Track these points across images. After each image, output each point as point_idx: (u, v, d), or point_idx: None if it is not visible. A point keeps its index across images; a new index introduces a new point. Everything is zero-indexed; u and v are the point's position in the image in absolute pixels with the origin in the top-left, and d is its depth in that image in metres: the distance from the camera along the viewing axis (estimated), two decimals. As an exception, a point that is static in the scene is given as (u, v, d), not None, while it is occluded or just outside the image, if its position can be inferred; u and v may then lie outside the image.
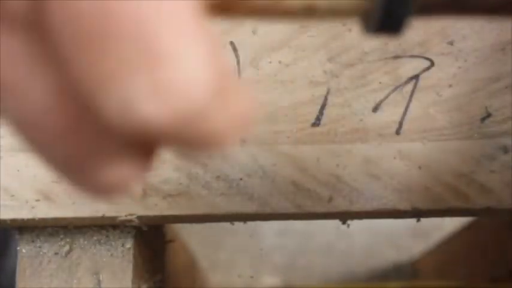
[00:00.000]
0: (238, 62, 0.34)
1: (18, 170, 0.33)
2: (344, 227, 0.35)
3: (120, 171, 0.15)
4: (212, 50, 0.13)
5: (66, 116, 0.14)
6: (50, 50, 0.14)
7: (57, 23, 0.13)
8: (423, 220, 0.34)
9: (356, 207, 0.32)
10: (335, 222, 0.34)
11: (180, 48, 0.12)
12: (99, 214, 0.32)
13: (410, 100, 0.33)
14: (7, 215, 0.32)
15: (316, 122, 0.33)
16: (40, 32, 0.14)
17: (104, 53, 0.12)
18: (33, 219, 0.32)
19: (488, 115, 0.33)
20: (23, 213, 0.32)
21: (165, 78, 0.12)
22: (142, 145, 0.15)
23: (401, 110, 0.33)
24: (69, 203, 0.32)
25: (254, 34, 0.34)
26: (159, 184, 0.32)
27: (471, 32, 0.34)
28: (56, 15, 0.13)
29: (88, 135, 0.15)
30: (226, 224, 0.35)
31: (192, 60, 0.13)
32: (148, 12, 0.12)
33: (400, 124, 0.33)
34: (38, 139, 0.15)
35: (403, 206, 0.32)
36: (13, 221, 0.33)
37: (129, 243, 0.34)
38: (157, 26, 0.12)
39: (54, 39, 0.13)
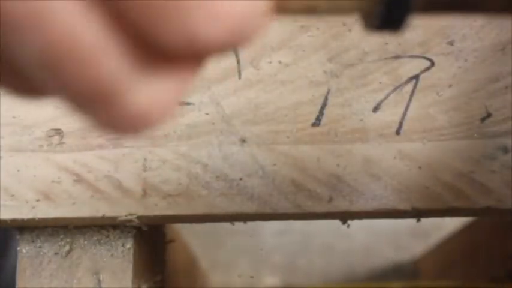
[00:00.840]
0: (238, 62, 0.34)
1: (18, 170, 0.33)
2: (344, 227, 0.35)
3: (162, 90, 0.16)
4: None
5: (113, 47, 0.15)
6: None
7: None
8: (423, 220, 0.34)
9: (356, 207, 0.32)
10: (335, 222, 0.34)
11: None
12: (99, 214, 0.32)
13: (410, 100, 0.33)
14: (7, 215, 0.32)
15: (316, 122, 0.33)
16: None
17: None
18: (33, 219, 0.32)
19: (488, 115, 0.33)
20: (23, 213, 0.32)
21: (225, 10, 0.14)
22: (186, 65, 0.16)
23: (401, 110, 0.33)
24: (69, 203, 0.32)
25: (254, 34, 0.34)
26: (159, 184, 0.32)
27: (471, 32, 0.34)
28: None
29: (132, 58, 0.15)
30: (226, 224, 0.35)
31: None
32: None
33: (400, 124, 0.33)
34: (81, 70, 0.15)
35: (403, 206, 0.32)
36: (13, 221, 0.33)
37: (129, 243, 0.34)
38: None
39: None
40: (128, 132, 0.16)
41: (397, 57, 0.34)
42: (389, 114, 0.33)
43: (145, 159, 0.33)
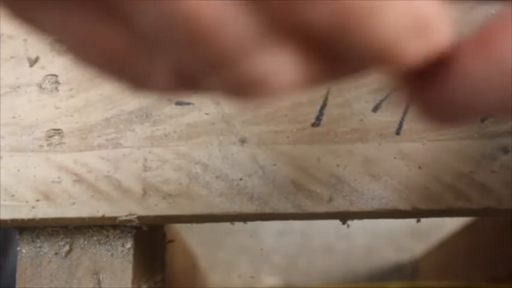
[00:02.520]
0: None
1: (18, 170, 0.33)
2: (344, 227, 0.35)
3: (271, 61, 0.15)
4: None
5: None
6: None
7: None
8: (423, 220, 0.34)
9: (356, 207, 0.32)
10: (335, 222, 0.34)
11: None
12: (99, 214, 0.32)
13: (410, 100, 0.33)
14: (7, 215, 0.32)
15: (316, 122, 0.33)
16: None
17: None
18: (33, 219, 0.32)
19: (488, 115, 0.33)
20: (23, 213, 0.32)
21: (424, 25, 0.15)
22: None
23: (401, 110, 0.33)
24: (69, 203, 0.32)
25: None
26: (159, 184, 0.32)
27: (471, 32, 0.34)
28: None
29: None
30: (226, 224, 0.35)
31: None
32: None
33: (400, 124, 0.33)
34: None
35: (403, 206, 0.32)
36: (13, 221, 0.33)
37: (129, 243, 0.34)
38: None
39: None
40: (244, 97, 0.16)
41: (397, 57, 0.34)
42: (389, 114, 0.33)
43: (145, 159, 0.33)
